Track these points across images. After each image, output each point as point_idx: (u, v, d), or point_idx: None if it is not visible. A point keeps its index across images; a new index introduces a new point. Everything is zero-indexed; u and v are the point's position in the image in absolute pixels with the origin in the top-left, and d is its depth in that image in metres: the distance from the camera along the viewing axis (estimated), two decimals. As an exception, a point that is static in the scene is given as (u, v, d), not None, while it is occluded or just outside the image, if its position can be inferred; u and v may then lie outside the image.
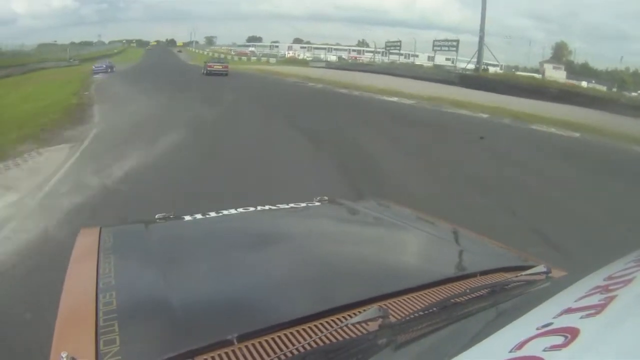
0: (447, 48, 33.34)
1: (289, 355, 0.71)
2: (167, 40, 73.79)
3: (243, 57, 53.14)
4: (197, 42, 69.33)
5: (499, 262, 1.14)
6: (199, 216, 1.44)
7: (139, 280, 1.01)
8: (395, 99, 15.43)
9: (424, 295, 0.94)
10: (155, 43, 72.77)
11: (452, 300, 0.84)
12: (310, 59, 49.20)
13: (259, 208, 1.57)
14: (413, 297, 0.92)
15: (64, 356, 0.68)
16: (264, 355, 0.73)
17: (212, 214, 1.46)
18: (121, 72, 24.75)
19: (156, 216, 1.41)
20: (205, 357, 0.71)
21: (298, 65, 40.78)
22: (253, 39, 71.09)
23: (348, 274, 1.06)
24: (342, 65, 38.79)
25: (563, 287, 0.68)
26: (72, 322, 0.84)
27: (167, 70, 26.34)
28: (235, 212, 1.50)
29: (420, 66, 33.45)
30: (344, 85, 19.09)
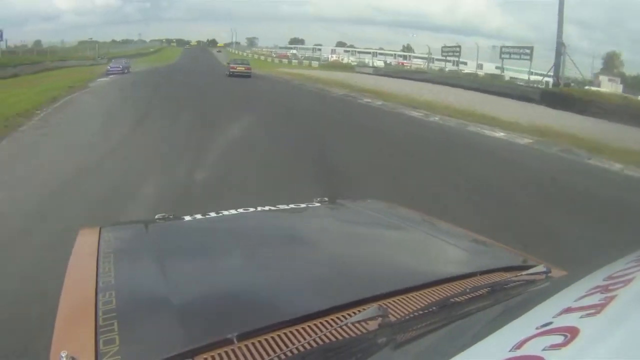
0: (517, 56, 28.73)
1: (289, 354, 0.71)
2: (208, 40, 74.47)
3: (283, 60, 51.21)
4: (237, 43, 69.09)
5: (499, 262, 1.14)
6: (198, 216, 1.45)
7: (139, 279, 1.01)
8: (501, 134, 9.50)
9: (424, 294, 0.94)
10: (195, 43, 73.31)
11: (452, 300, 0.84)
12: (355, 63, 46.33)
13: (258, 208, 1.57)
14: (413, 296, 0.93)
15: (63, 356, 0.68)
16: (264, 354, 0.73)
17: (212, 214, 1.46)
18: (136, 74, 23.52)
19: (156, 216, 1.41)
20: (205, 356, 0.71)
21: (342, 70, 37.53)
22: (295, 41, 70.60)
23: (348, 273, 1.06)
24: (391, 72, 34.05)
25: (563, 286, 0.68)
26: (72, 322, 0.84)
27: (192, 72, 24.54)
28: (235, 212, 1.50)
29: (475, 75, 29.82)
30: (411, 104, 13.73)
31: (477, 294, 0.87)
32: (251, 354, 0.73)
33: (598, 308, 0.52)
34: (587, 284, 0.64)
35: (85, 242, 1.20)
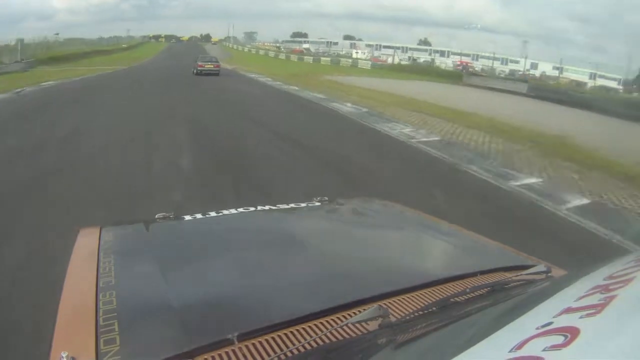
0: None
1: (289, 354, 0.71)
2: (201, 35, 71.98)
3: (293, 56, 43.15)
4: (235, 38, 65.51)
5: (499, 262, 1.14)
6: (199, 216, 1.44)
7: (139, 279, 1.01)
8: None
9: (424, 294, 0.94)
10: (187, 38, 70.43)
11: (452, 300, 0.84)
12: (463, 70, 34.24)
13: (259, 208, 1.57)
14: (413, 296, 0.93)
15: (64, 356, 0.68)
16: (264, 355, 0.73)
17: (212, 214, 1.46)
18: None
19: (156, 216, 1.41)
20: (205, 356, 0.71)
21: (421, 76, 28.11)
22: (298, 35, 65.24)
23: (348, 273, 1.06)
24: (543, 90, 22.13)
25: (563, 286, 0.68)
26: (73, 322, 0.84)
27: (153, 74, 20.63)
28: (236, 212, 1.50)
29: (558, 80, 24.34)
30: None
31: (477, 294, 0.87)
32: (251, 354, 0.73)
33: (598, 308, 0.52)
34: (587, 283, 0.64)
35: (86, 242, 1.20)
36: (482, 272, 1.06)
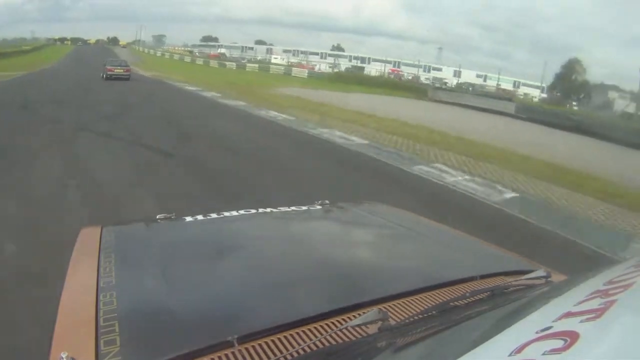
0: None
1: (289, 357, 0.71)
2: (108, 38, 69.27)
3: (212, 62, 40.56)
4: (143, 41, 63.61)
5: (499, 266, 1.15)
6: (199, 217, 1.45)
7: (140, 280, 1.01)
8: None
9: (424, 298, 0.94)
10: (94, 41, 66.88)
11: (452, 304, 0.84)
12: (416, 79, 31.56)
13: (260, 210, 1.57)
14: (413, 300, 0.93)
15: (63, 356, 0.68)
16: (264, 357, 0.73)
17: (213, 215, 1.46)
18: None
19: (157, 216, 1.41)
20: (205, 358, 0.71)
21: (369, 88, 25.00)
22: (208, 39, 63.66)
23: (348, 276, 1.06)
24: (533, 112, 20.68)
25: (563, 291, 0.68)
26: (73, 322, 0.84)
27: (55, 85, 15.89)
28: (237, 213, 1.50)
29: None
30: None
31: (477, 298, 0.87)
32: (251, 356, 0.73)
33: (598, 312, 0.52)
34: (586, 288, 0.64)
35: (87, 242, 1.20)
36: (482, 277, 1.06)
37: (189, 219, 1.43)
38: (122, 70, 20.88)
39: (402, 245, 1.38)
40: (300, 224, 1.62)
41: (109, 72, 20.30)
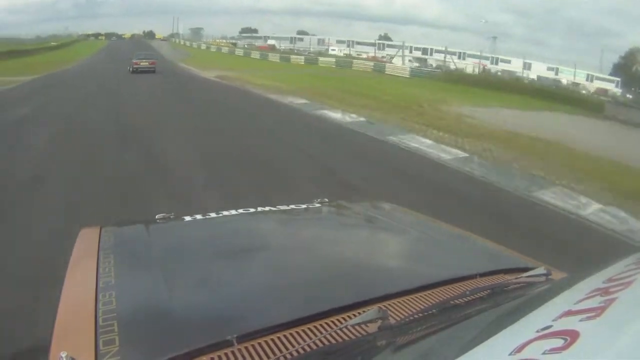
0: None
1: (289, 356, 0.71)
2: (144, 32, 67.29)
3: (272, 56, 34.92)
4: (180, 34, 60.72)
5: (499, 264, 1.14)
6: (199, 217, 1.45)
7: (139, 280, 1.01)
8: None
9: (424, 296, 0.94)
10: (129, 36, 64.65)
11: (452, 302, 0.84)
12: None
13: (259, 209, 1.57)
14: (412, 298, 0.92)
15: (63, 356, 0.68)
16: (264, 356, 0.73)
17: (212, 215, 1.46)
18: None
19: (156, 216, 1.41)
20: (204, 358, 0.71)
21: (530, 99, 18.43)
22: (248, 30, 60.03)
23: (348, 275, 1.06)
24: None
25: (563, 289, 0.68)
26: (72, 322, 0.84)
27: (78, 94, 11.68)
28: (236, 213, 1.50)
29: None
30: None
31: (477, 297, 0.87)
32: (251, 356, 0.73)
33: (598, 311, 0.52)
34: (587, 286, 0.64)
35: (86, 242, 1.20)
36: (482, 275, 1.06)
37: (188, 218, 1.43)
38: (147, 63, 20.96)
39: (402, 243, 1.38)
40: (299, 222, 1.62)
41: (135, 66, 20.40)
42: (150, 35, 64.80)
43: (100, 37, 65.40)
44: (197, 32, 64.19)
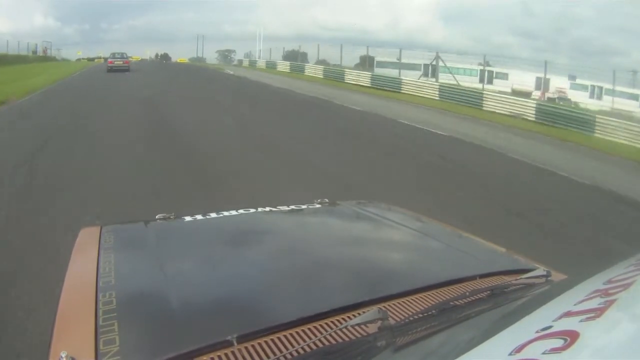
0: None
1: (289, 356, 0.71)
2: (157, 55, 57.31)
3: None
4: (203, 58, 52.67)
5: (499, 265, 1.14)
6: (199, 216, 1.45)
7: (139, 280, 1.01)
8: None
9: (424, 297, 0.94)
10: (138, 58, 51.81)
11: (452, 303, 0.84)
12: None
13: (259, 209, 1.57)
14: (412, 299, 0.92)
15: (63, 356, 0.68)
16: (264, 356, 0.73)
17: (213, 215, 1.46)
18: None
19: (156, 216, 1.41)
20: (204, 357, 0.71)
21: None
22: (295, 54, 48.58)
23: (348, 275, 1.06)
24: None
25: (563, 290, 0.68)
26: (72, 322, 0.83)
27: None
28: (236, 213, 1.50)
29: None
30: None
31: (477, 298, 0.87)
32: (251, 356, 0.73)
33: (598, 312, 0.52)
34: (586, 287, 0.64)
35: (86, 242, 1.20)
36: (482, 276, 1.06)
37: (188, 218, 1.43)
38: (121, 62, 23.67)
39: (402, 244, 1.38)
40: (299, 222, 1.62)
41: (109, 65, 23.49)
42: (165, 57, 56.28)
43: (97, 59, 55.00)
44: (225, 55, 56.43)
